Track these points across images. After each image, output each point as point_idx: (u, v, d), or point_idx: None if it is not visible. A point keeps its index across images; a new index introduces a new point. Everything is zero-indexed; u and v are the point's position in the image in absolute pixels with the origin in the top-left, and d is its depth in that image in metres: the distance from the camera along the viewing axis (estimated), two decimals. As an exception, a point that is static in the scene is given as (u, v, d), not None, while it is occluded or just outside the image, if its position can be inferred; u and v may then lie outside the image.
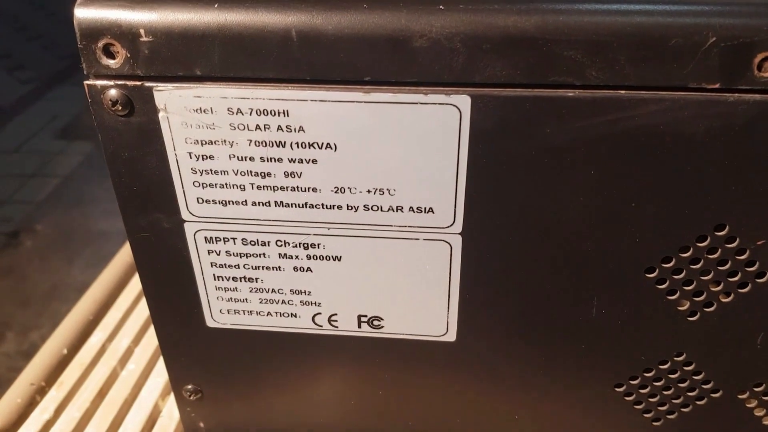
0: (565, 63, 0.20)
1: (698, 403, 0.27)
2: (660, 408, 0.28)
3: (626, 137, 0.21)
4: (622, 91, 0.20)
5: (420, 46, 0.20)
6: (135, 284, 0.46)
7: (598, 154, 0.21)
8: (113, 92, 0.21)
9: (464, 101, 0.21)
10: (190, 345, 0.28)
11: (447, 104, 0.21)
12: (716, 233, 0.22)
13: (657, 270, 0.24)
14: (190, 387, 0.30)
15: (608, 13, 0.19)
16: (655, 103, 0.20)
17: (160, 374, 0.38)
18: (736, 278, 0.23)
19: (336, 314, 0.27)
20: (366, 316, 0.27)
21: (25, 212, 1.42)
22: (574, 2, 0.19)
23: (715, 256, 0.23)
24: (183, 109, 0.22)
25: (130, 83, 0.21)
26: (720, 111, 0.20)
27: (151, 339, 0.41)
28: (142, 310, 0.43)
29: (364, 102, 0.21)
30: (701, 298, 0.24)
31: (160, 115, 0.22)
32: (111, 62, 0.21)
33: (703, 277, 0.24)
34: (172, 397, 0.36)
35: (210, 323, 0.27)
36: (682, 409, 0.28)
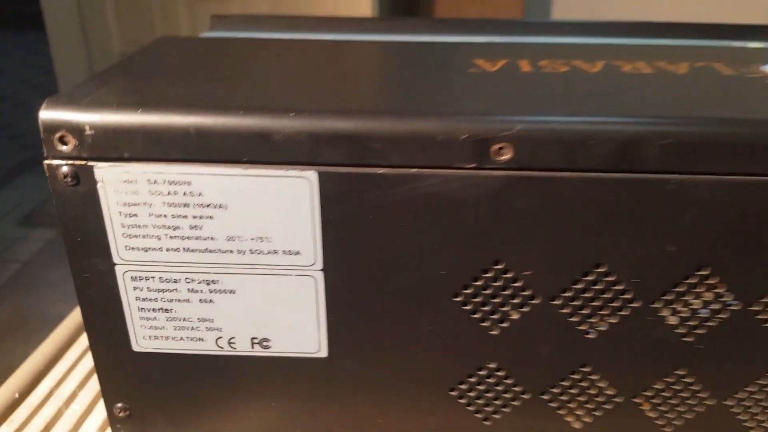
0: (374, 151, 0.29)
1: (513, 403, 0.36)
2: (486, 409, 0.36)
3: (419, 200, 0.30)
4: (413, 169, 0.30)
5: (278, 139, 0.29)
6: (82, 341, 0.52)
7: (403, 212, 0.31)
8: (65, 168, 0.30)
9: (313, 175, 0.30)
10: (120, 367, 0.36)
11: (301, 177, 0.30)
12: (494, 267, 0.32)
13: (461, 295, 0.33)
14: (120, 405, 0.37)
15: (398, 117, 0.29)
16: (434, 177, 0.30)
17: (101, 413, 0.45)
18: (516, 300, 0.33)
19: (234, 337, 0.35)
20: (257, 338, 0.35)
21: (-16, 296, 1.46)
22: (378, 110, 0.29)
23: (498, 283, 0.32)
24: (115, 181, 0.31)
25: (78, 163, 0.30)
26: (477, 182, 0.30)
27: (94, 384, 0.47)
28: (88, 362, 0.50)
29: (244, 175, 0.30)
30: (496, 316, 0.33)
31: (99, 185, 0.31)
32: (64, 148, 0.30)
33: (494, 300, 0.33)
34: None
35: (136, 347, 0.35)
36: (503, 410, 0.36)
